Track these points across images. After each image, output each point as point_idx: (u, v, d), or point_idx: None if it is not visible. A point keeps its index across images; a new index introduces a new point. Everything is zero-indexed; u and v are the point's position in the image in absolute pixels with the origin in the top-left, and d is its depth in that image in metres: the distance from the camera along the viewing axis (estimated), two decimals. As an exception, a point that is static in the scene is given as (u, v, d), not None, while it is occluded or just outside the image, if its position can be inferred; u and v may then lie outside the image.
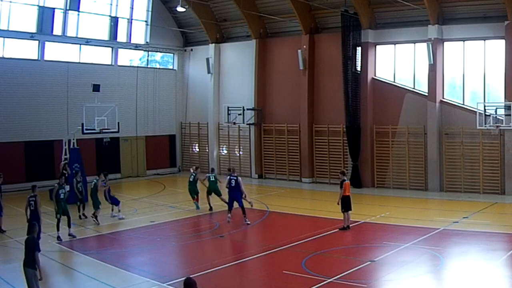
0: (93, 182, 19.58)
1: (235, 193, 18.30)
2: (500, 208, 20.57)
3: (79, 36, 28.50)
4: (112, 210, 19.88)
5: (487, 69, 23.23)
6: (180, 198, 21.99)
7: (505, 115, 21.50)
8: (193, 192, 21.29)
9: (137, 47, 31.62)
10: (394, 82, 25.70)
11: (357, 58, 25.70)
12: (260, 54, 29.69)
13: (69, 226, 16.70)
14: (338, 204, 17.37)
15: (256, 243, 16.64)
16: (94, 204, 19.03)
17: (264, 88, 29.82)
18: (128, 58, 32.08)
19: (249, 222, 18.17)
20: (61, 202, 16.73)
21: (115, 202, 19.80)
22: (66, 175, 22.39)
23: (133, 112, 31.45)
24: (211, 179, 20.91)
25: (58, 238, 16.21)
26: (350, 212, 17.44)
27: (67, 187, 22.16)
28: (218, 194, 20.74)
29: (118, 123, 25.20)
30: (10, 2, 25.56)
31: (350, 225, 17.44)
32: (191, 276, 8.52)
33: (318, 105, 27.88)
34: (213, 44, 31.71)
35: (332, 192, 24.10)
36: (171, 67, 34.28)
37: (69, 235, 16.63)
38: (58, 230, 16.42)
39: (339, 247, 15.58)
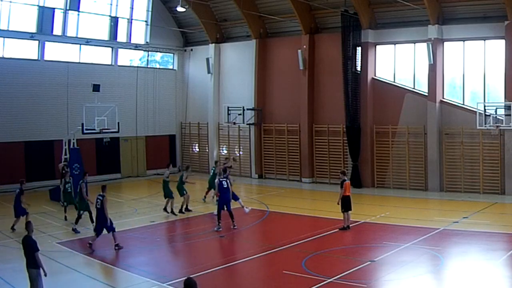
0: (180, 176, 20.52)
1: (228, 196, 17.66)
2: (500, 208, 20.57)
3: (79, 36, 28.51)
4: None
5: (487, 69, 23.22)
6: (180, 198, 21.90)
7: (505, 115, 21.50)
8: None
9: (137, 47, 31.63)
10: (394, 82, 25.69)
11: (357, 58, 25.70)
12: (260, 54, 29.69)
13: (76, 222, 17.65)
14: (338, 204, 17.37)
15: (256, 243, 16.62)
16: (169, 195, 20.05)
17: (264, 88, 29.82)
18: (128, 58, 32.08)
19: (236, 227, 17.70)
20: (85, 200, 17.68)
21: (234, 197, 19.78)
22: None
23: (133, 112, 31.45)
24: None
25: (75, 230, 17.42)
26: (350, 212, 17.45)
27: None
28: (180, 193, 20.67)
29: (118, 123, 25.22)
30: (10, 2, 25.56)
31: (350, 225, 17.44)
32: (191, 276, 8.52)
33: (318, 105, 27.88)
34: (213, 44, 31.71)
35: (332, 192, 24.08)
36: (171, 67, 34.28)
37: (74, 229, 17.47)
38: (76, 223, 17.63)
39: (339, 247, 15.57)
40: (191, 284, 7.41)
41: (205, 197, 22.90)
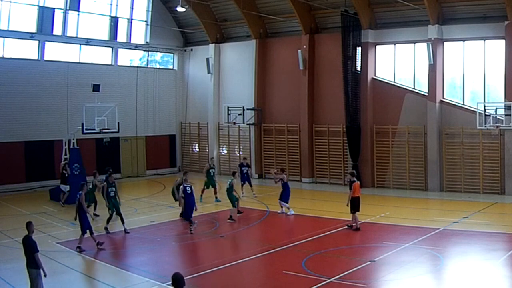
0: (229, 182, 19.62)
1: (193, 201, 17.38)
2: (500, 208, 20.57)
3: (79, 36, 28.52)
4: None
5: (487, 69, 23.23)
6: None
7: (505, 115, 21.52)
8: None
9: (137, 47, 31.62)
10: (394, 82, 25.70)
11: (357, 58, 25.69)
12: (260, 54, 29.69)
13: (122, 222, 17.47)
14: (347, 205, 17.30)
15: (256, 243, 16.62)
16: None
17: (264, 88, 29.82)
18: (128, 58, 32.07)
19: (192, 232, 17.12)
20: (112, 199, 17.61)
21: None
22: (66, 175, 22.43)
23: (133, 112, 31.45)
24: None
25: (106, 229, 17.34)
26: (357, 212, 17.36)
27: (67, 187, 22.19)
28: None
29: (118, 123, 25.18)
30: (10, 2, 25.56)
31: (349, 225, 17.41)
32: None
33: (318, 105, 27.88)
34: (213, 44, 31.71)
35: (332, 192, 24.17)
36: (171, 67, 34.28)
37: (125, 231, 17.36)
38: (107, 223, 17.54)
39: (339, 247, 15.57)
40: (178, 279, 7.44)
41: (216, 197, 22.97)
